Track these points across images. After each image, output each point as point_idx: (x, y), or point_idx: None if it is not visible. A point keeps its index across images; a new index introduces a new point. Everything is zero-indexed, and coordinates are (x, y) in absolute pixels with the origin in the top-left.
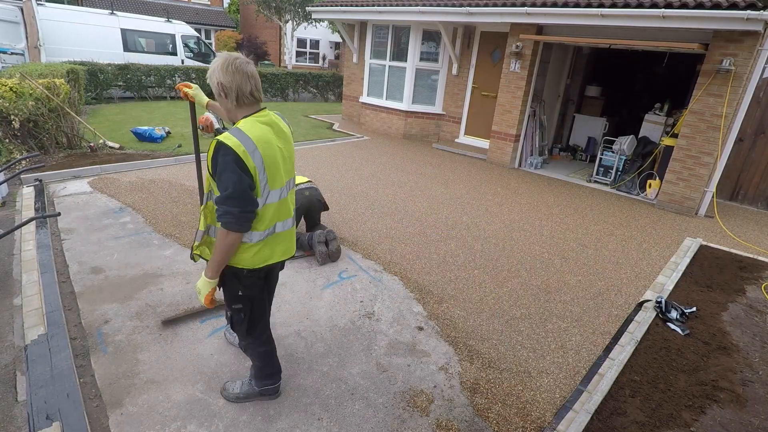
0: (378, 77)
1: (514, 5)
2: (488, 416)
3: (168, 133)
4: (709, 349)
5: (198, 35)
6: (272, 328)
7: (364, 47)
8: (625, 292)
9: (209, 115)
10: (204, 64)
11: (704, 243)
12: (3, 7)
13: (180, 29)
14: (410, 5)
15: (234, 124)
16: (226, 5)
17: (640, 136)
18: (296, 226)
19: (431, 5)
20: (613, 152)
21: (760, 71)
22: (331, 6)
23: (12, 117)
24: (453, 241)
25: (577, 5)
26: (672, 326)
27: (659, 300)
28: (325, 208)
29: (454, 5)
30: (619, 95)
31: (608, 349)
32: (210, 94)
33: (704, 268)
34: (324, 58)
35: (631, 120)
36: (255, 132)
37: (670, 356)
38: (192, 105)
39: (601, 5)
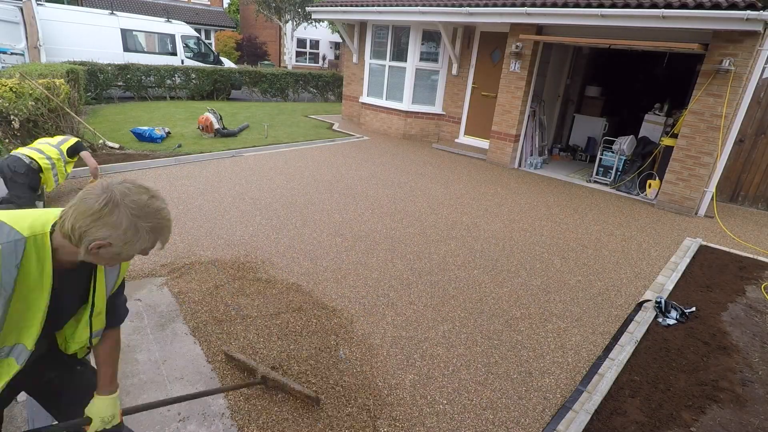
0: (378, 77)
1: (514, 5)
2: (489, 416)
3: (168, 133)
4: (709, 349)
5: (198, 35)
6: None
7: (364, 47)
8: (625, 292)
9: (209, 115)
10: (204, 64)
11: (704, 243)
12: (3, 7)
13: (180, 29)
14: (410, 5)
15: None
16: (226, 5)
17: (639, 136)
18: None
19: (431, 5)
20: (612, 152)
21: (759, 71)
22: (331, 6)
23: (12, 117)
24: (453, 241)
25: (577, 5)
26: (668, 321)
27: (659, 300)
28: None
29: (454, 5)
30: (619, 95)
31: (608, 349)
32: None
33: (704, 268)
34: (324, 58)
35: (631, 120)
36: None
37: (670, 356)
38: None
39: (601, 5)
